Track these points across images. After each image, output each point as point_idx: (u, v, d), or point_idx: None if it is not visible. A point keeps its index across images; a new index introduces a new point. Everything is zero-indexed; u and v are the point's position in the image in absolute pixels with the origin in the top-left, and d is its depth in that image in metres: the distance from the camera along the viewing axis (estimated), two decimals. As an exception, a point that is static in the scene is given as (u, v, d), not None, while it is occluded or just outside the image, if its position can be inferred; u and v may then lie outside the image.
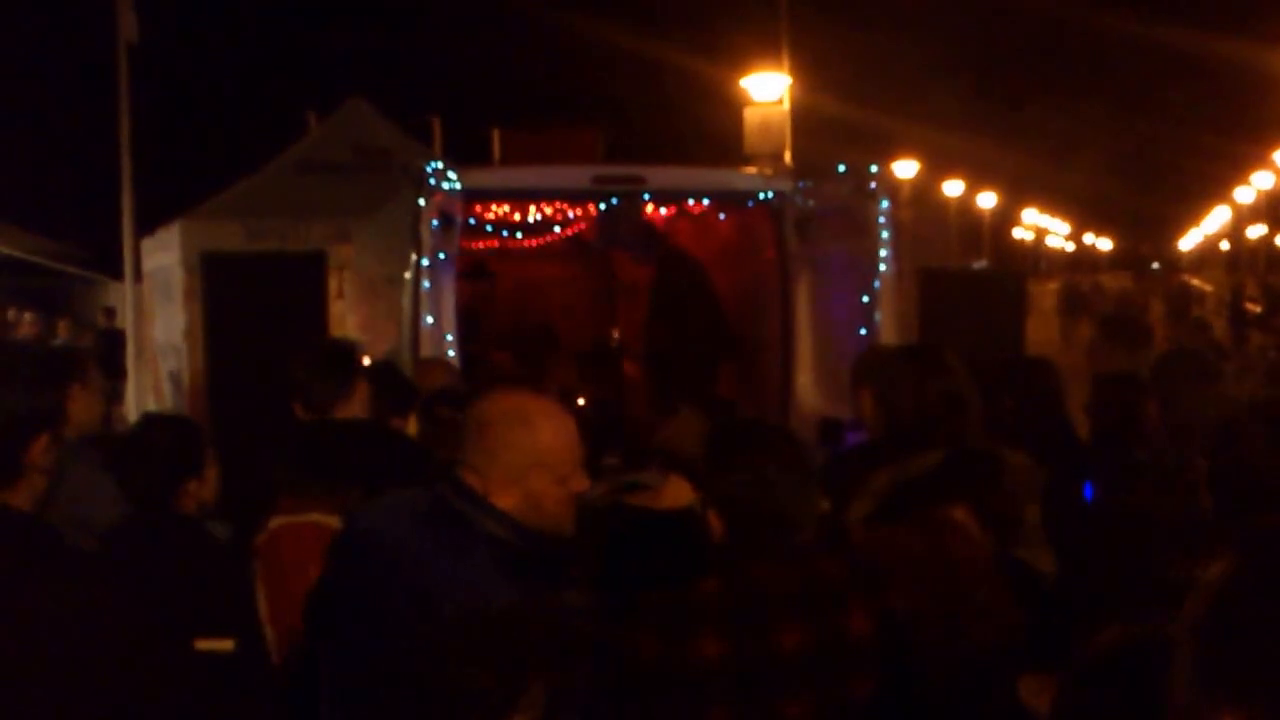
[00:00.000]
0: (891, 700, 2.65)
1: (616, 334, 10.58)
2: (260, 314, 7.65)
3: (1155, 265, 74.12)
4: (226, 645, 2.85)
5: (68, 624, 2.26)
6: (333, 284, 9.41)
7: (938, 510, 3.10)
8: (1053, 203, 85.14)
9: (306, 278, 8.01)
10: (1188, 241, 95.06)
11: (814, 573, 2.71)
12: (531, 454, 2.72)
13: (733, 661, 2.61)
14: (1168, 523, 3.83)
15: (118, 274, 17.78)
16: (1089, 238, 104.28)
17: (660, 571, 3.01)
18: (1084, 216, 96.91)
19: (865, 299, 7.41)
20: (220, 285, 8.00)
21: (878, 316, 7.35)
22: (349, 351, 5.12)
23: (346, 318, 9.54)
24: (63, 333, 20.57)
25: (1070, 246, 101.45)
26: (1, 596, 2.25)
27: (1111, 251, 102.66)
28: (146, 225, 15.48)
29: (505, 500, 2.72)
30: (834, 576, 2.72)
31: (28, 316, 20.86)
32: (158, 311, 13.11)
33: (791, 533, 2.75)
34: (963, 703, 2.89)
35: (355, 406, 4.80)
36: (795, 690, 2.61)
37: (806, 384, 7.79)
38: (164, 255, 13.79)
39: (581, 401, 9.43)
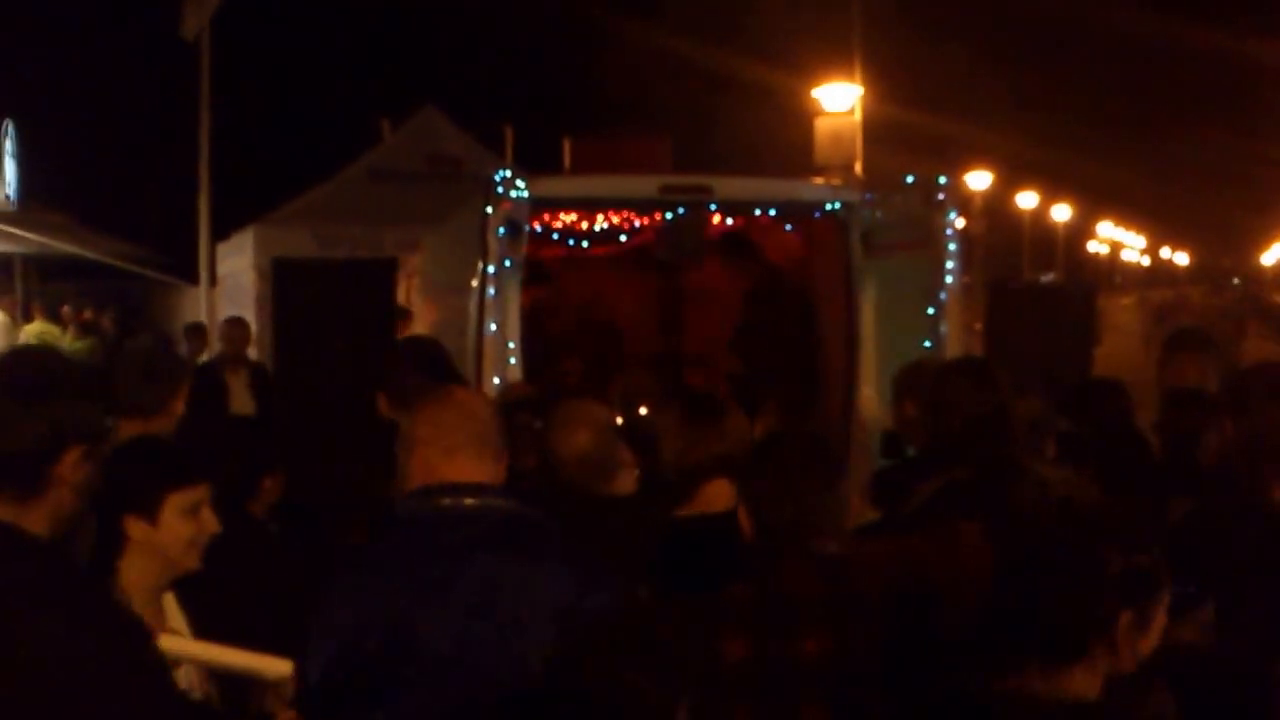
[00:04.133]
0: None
1: (681, 343, 10.59)
2: (330, 320, 7.75)
3: (1235, 280, 72.88)
4: (285, 669, 2.74)
5: (42, 663, 2.15)
6: (401, 291, 9.51)
7: (946, 522, 3.12)
8: (1129, 215, 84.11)
9: (376, 284, 8.09)
10: (1270, 256, 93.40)
11: (842, 583, 2.73)
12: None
13: (756, 663, 2.64)
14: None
15: (194, 279, 18.12)
16: (1165, 251, 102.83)
17: (701, 574, 3.05)
18: (1161, 230, 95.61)
19: (931, 311, 7.37)
20: (290, 290, 8.10)
21: (943, 328, 7.31)
22: (439, 353, 4.91)
23: (414, 324, 9.65)
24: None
25: (1146, 260, 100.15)
26: None
27: (1189, 266, 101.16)
28: (223, 231, 15.76)
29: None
30: (863, 589, 2.74)
31: (106, 319, 21.27)
32: (227, 315, 13.31)
33: (817, 540, 2.77)
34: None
35: None
36: (815, 695, 2.63)
37: (870, 396, 7.75)
38: (237, 260, 14.02)
39: (644, 410, 9.44)
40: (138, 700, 2.26)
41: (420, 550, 2.84)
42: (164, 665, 2.40)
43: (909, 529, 3.29)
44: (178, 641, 2.69)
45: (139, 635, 2.36)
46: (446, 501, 2.89)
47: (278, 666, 2.75)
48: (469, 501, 2.88)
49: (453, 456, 2.91)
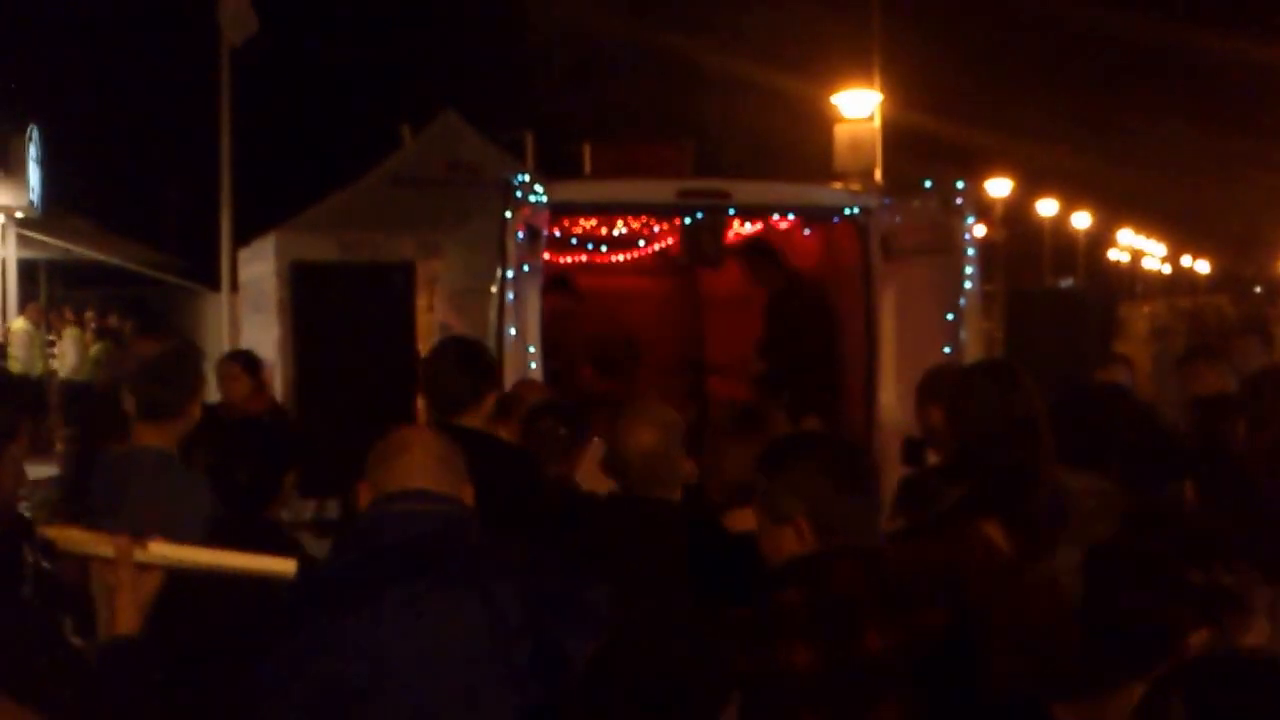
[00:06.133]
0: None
1: (701, 348, 10.60)
2: (348, 323, 7.78)
3: (1258, 288, 72.42)
4: (289, 567, 2.57)
5: None
6: (422, 297, 9.53)
7: (967, 525, 3.11)
8: (1149, 223, 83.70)
9: (394, 288, 8.13)
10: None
11: (887, 574, 2.73)
12: None
13: (823, 667, 2.62)
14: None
15: (216, 284, 18.20)
16: (1186, 259, 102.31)
17: (742, 586, 3.05)
18: (1182, 237, 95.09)
19: (950, 316, 7.36)
20: (309, 294, 8.15)
21: (962, 334, 7.31)
22: (489, 360, 4.98)
23: (435, 330, 9.67)
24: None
25: (1167, 268, 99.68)
26: None
27: (1210, 274, 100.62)
28: (244, 237, 15.82)
29: None
30: (905, 578, 2.74)
31: (127, 325, 21.39)
32: (247, 321, 13.33)
33: (841, 539, 2.77)
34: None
35: (479, 418, 4.65)
36: (885, 692, 2.62)
37: (890, 401, 7.75)
38: (259, 265, 14.06)
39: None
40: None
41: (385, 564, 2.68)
42: (82, 662, 2.37)
43: (933, 535, 3.28)
44: (172, 548, 2.55)
45: (47, 636, 2.33)
46: (398, 508, 2.76)
47: (283, 565, 2.61)
48: (420, 507, 2.74)
49: (404, 472, 2.81)
